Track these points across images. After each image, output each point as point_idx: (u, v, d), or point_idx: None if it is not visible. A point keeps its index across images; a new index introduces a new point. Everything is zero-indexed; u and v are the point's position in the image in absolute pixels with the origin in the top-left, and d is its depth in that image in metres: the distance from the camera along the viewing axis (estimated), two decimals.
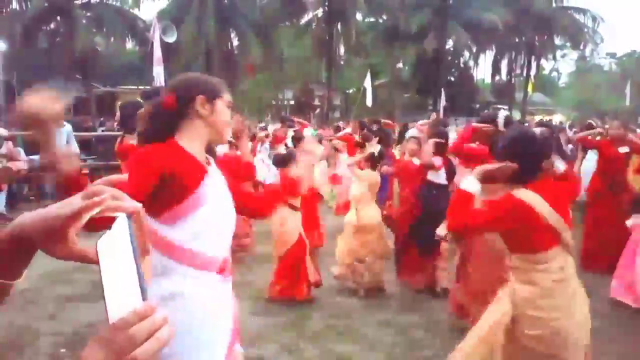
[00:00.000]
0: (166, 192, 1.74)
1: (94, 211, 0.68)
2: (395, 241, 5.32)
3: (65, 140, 8.51)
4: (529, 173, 2.27)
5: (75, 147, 8.77)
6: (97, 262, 0.67)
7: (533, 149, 2.32)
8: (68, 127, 9.02)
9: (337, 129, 10.80)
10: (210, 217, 1.82)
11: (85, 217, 0.69)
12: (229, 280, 1.95)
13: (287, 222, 4.64)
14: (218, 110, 1.88)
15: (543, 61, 34.71)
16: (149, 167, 1.73)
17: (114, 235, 0.69)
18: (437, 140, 4.91)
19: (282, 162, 4.69)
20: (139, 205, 0.72)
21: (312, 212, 5.19)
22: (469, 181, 2.31)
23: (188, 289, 1.80)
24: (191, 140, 1.86)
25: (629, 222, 4.74)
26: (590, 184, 6.08)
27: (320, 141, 8.58)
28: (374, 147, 5.30)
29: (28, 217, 0.71)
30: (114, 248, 0.68)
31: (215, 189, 1.87)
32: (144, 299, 0.66)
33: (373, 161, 5.10)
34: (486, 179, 2.29)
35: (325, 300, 4.86)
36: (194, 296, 1.80)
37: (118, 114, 4.18)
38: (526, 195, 2.22)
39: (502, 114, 4.06)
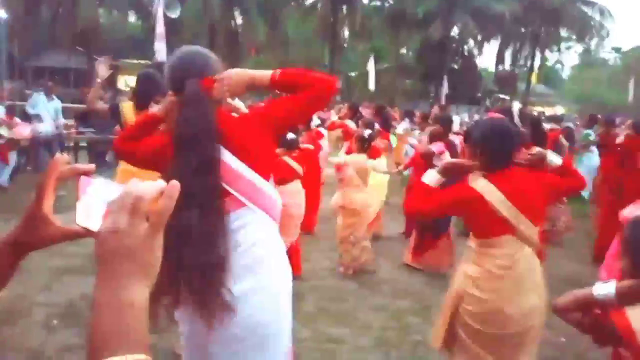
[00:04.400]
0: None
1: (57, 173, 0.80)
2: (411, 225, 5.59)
3: (54, 114, 8.49)
4: (497, 162, 2.35)
5: (62, 121, 8.76)
6: (85, 235, 0.73)
7: (503, 140, 2.37)
8: (57, 102, 9.00)
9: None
10: None
11: (54, 177, 0.80)
12: None
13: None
14: None
15: (547, 53, 34.52)
16: None
17: (82, 199, 0.73)
18: (435, 128, 5.06)
19: (283, 146, 4.69)
20: (92, 165, 0.79)
21: (313, 196, 5.21)
22: (429, 174, 2.41)
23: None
24: None
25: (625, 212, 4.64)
26: (601, 180, 6.13)
27: (323, 123, 8.56)
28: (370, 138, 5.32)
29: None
30: (89, 204, 0.72)
31: None
32: None
33: (362, 144, 5.11)
34: (446, 173, 2.38)
35: (319, 282, 4.89)
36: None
37: (134, 85, 4.01)
38: (480, 184, 2.32)
39: (517, 106, 4.10)
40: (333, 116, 7.24)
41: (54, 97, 9.02)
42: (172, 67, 1.91)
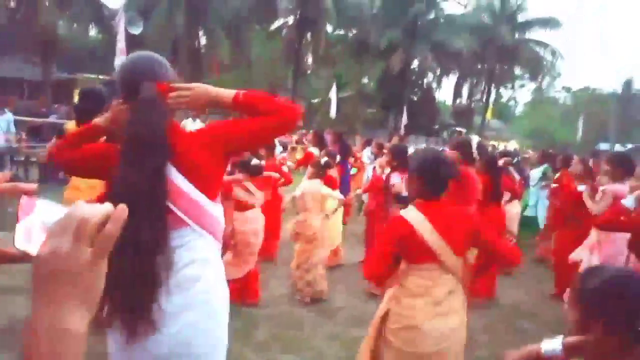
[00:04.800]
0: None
1: None
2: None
3: (5, 127, 8.23)
4: (431, 191, 2.54)
5: (13, 133, 8.48)
6: (22, 258, 0.70)
7: (438, 170, 2.54)
8: (9, 115, 8.75)
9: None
10: None
11: None
12: None
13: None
14: None
15: (502, 89, 35.93)
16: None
17: (22, 221, 0.70)
18: (380, 162, 5.25)
19: (249, 171, 4.70)
20: (34, 185, 0.76)
21: (273, 222, 5.18)
22: None
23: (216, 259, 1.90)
24: None
25: (572, 256, 4.75)
26: (552, 218, 6.32)
27: (285, 147, 8.58)
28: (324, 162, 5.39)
29: None
30: (29, 226, 0.70)
31: None
32: None
33: (317, 170, 5.17)
34: None
35: (274, 309, 4.82)
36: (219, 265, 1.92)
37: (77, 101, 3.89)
38: (411, 215, 2.51)
39: (476, 139, 4.30)
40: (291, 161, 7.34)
41: (6, 110, 8.73)
42: (125, 70, 1.84)
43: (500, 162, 5.97)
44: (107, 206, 0.64)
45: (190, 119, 11.12)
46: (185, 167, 1.74)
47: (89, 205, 0.64)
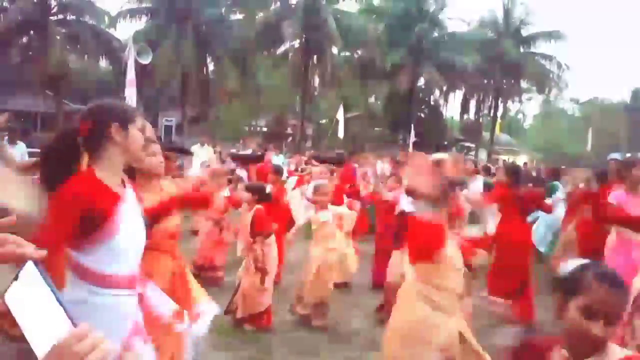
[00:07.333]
0: (85, 226, 1.84)
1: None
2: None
3: (19, 158, 8.37)
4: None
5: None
6: (6, 315, 0.73)
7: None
8: (22, 145, 8.89)
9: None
10: (123, 243, 1.91)
11: None
12: (135, 292, 2.06)
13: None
14: (132, 135, 1.96)
15: (509, 103, 35.84)
16: (70, 210, 1.80)
17: (22, 283, 0.74)
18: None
19: (260, 196, 4.78)
20: (44, 252, 0.79)
21: (279, 248, 5.21)
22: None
23: (92, 301, 1.89)
24: (107, 167, 1.94)
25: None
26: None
27: (297, 170, 8.66)
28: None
29: None
30: (24, 294, 0.73)
31: (128, 214, 1.96)
32: (74, 324, 0.71)
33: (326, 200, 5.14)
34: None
35: (289, 334, 4.83)
36: (97, 306, 1.89)
37: None
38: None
39: (484, 154, 4.54)
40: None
41: (18, 142, 8.89)
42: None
43: None
44: (108, 346, 0.69)
45: (198, 144, 11.22)
46: None
47: (88, 341, 0.68)
